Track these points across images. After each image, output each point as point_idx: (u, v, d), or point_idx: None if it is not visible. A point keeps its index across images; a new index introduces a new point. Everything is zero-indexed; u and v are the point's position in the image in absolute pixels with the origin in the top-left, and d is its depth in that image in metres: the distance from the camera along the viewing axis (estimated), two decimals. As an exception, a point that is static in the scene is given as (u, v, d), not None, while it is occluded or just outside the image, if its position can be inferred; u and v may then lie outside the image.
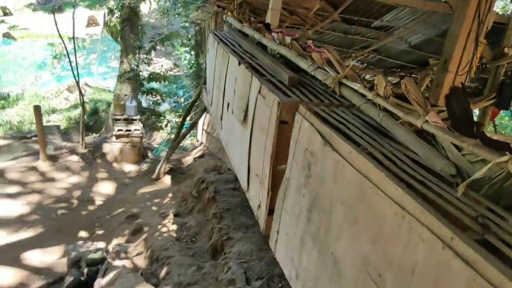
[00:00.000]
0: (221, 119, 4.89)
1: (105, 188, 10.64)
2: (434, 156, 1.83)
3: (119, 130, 11.78)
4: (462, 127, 1.72)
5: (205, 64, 8.66)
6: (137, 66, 14.55)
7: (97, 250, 6.74)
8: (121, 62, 14.65)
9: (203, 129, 13.46)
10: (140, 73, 15.17)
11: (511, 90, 5.19)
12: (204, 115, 12.15)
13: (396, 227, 1.56)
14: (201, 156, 12.51)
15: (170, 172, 11.52)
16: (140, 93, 15.59)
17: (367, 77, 7.31)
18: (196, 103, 12.52)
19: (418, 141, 1.97)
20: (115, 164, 11.95)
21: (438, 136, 1.87)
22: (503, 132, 12.42)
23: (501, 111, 8.28)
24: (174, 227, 7.47)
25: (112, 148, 12.05)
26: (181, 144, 12.72)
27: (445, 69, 3.37)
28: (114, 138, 11.89)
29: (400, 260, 1.53)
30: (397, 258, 1.55)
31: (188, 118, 12.68)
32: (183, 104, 17.68)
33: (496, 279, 1.13)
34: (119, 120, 11.90)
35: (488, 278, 1.16)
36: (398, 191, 1.57)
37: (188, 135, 12.78)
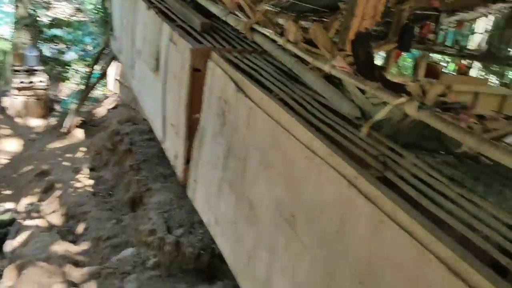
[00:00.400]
0: (133, 67, 4.67)
1: (9, 145, 9.88)
2: (341, 100, 1.92)
3: (21, 82, 10.85)
4: (366, 72, 1.80)
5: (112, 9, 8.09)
6: (34, 11, 13.22)
7: (5, 211, 6.39)
8: (16, 7, 13.20)
9: (115, 78, 12.80)
10: (39, 19, 13.83)
11: (412, 33, 5.51)
12: (116, 64, 11.52)
13: (306, 169, 1.64)
14: (115, 107, 12.00)
15: (82, 125, 10.95)
16: (41, 41, 14.31)
17: (281, 21, 7.30)
18: (106, 51, 11.78)
19: (327, 86, 2.04)
20: (18, 119, 11.08)
21: (344, 80, 1.95)
22: (405, 73, 13.22)
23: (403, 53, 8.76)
24: (90, 182, 7.23)
25: (13, 102, 11.10)
26: (91, 95, 12.04)
27: (352, 13, 3.45)
28: (15, 91, 10.95)
29: (310, 200, 1.62)
30: (308, 199, 1.63)
31: (98, 67, 11.95)
32: (91, 53, 16.56)
33: (391, 211, 1.24)
34: (19, 71, 10.93)
35: (386, 211, 1.27)
36: (308, 135, 1.64)
37: (99, 85, 12.10)
